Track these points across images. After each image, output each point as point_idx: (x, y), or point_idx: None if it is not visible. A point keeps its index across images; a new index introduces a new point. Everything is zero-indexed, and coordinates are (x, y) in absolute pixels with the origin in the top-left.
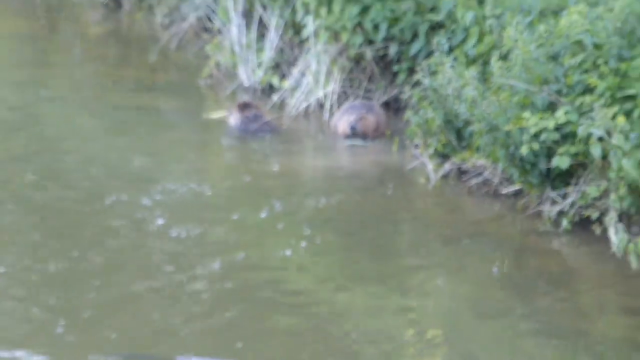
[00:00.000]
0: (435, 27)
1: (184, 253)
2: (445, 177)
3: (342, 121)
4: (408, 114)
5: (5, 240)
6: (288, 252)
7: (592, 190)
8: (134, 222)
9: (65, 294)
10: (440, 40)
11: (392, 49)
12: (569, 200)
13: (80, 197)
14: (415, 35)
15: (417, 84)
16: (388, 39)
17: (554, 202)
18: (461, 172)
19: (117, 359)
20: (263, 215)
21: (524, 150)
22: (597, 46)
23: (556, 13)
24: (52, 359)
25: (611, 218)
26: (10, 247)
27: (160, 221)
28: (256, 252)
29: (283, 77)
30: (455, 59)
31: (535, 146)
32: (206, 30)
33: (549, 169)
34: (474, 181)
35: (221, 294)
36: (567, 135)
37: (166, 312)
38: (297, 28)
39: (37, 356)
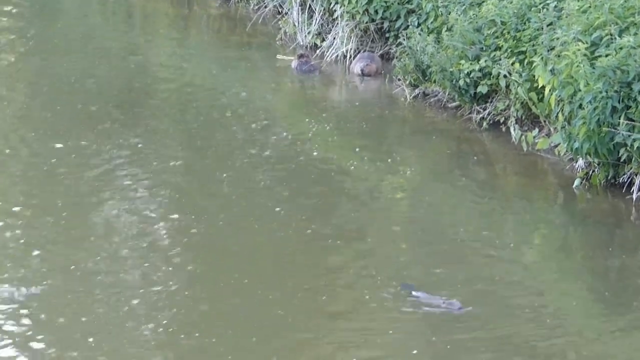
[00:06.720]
0: (410, 12)
1: (267, 128)
2: (415, 97)
3: (356, 66)
4: (394, 61)
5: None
6: (325, 129)
7: (500, 105)
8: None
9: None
10: (412, 19)
11: (385, 24)
12: (487, 111)
13: (211, 103)
14: (398, 17)
15: (399, 44)
16: (383, 18)
17: (478, 112)
18: (425, 95)
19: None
20: (309, 112)
21: (461, 82)
22: (503, 23)
23: (479, 4)
24: None
25: (511, 121)
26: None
27: (255, 113)
28: (301, 128)
29: (323, 39)
30: (421, 30)
31: (467, 80)
32: (279, 12)
33: (475, 93)
34: (432, 100)
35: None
36: (486, 73)
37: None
38: (331, 11)
39: None
